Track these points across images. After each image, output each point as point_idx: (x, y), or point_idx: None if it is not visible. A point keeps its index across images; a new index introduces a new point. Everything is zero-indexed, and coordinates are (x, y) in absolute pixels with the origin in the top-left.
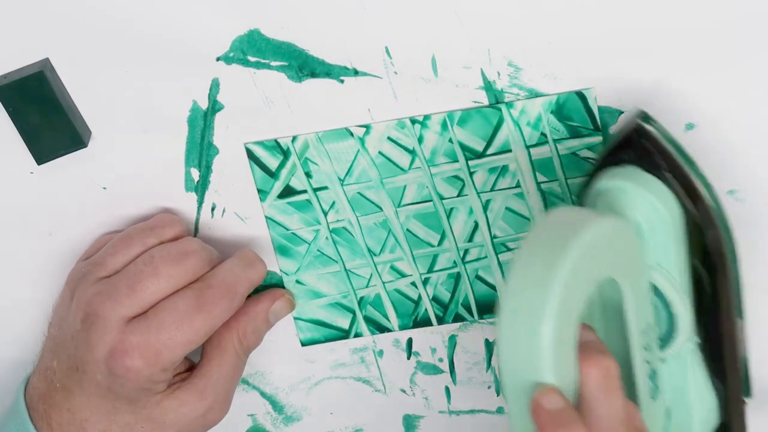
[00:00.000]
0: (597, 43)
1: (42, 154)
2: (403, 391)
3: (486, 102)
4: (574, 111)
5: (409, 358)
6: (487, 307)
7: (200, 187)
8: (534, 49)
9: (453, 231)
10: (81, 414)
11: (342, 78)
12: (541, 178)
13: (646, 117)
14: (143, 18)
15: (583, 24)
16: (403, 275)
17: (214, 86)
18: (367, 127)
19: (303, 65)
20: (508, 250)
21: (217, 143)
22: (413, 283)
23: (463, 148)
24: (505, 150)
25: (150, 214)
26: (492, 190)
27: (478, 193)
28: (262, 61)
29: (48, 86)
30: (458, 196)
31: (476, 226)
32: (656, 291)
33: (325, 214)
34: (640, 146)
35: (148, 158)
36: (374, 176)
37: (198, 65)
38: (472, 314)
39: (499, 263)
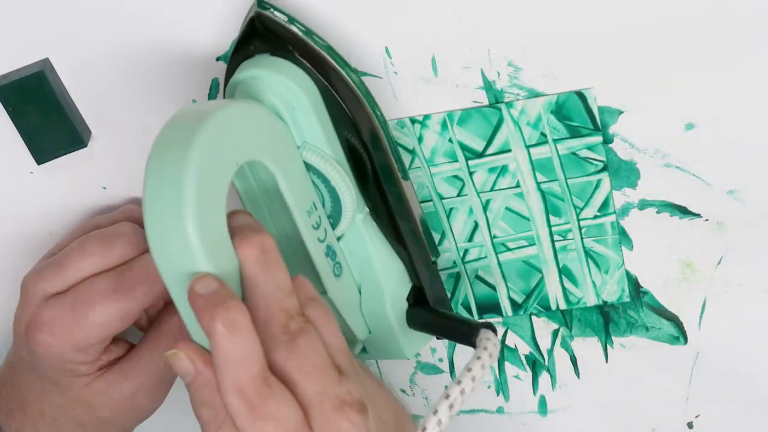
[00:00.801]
0: (597, 42)
1: (42, 154)
2: (403, 391)
3: (486, 102)
4: (574, 111)
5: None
6: (487, 307)
7: None
8: (534, 49)
9: (453, 231)
10: (21, 391)
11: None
12: (540, 178)
13: (262, 4)
14: (143, 18)
15: (583, 24)
16: None
17: (214, 86)
18: None
19: None
20: (508, 250)
21: None
22: None
23: (463, 147)
24: (505, 150)
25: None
26: (492, 190)
27: (477, 193)
28: None
29: (48, 86)
30: (458, 195)
31: (476, 225)
32: (313, 170)
33: None
34: (264, 33)
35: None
36: None
37: (198, 65)
38: (472, 314)
39: (499, 263)
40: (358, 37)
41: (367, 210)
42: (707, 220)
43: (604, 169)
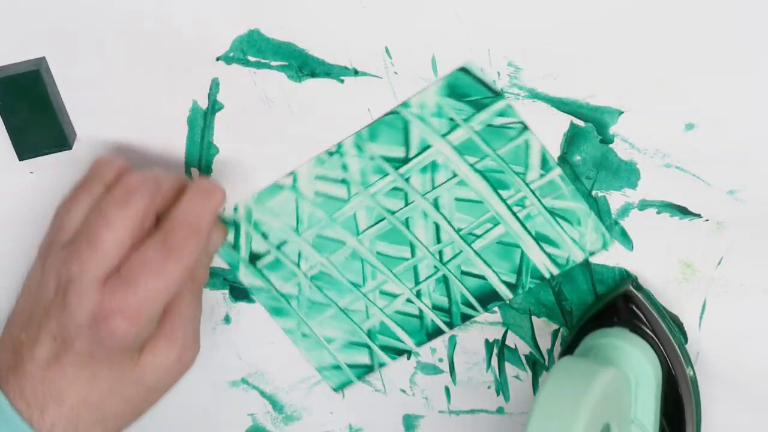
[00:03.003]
0: (597, 42)
1: (25, 151)
2: (403, 391)
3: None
4: (467, 86)
5: (408, 359)
6: (486, 297)
7: None
8: (534, 49)
9: (419, 239)
10: (57, 384)
11: (342, 78)
12: (471, 159)
13: (637, 284)
14: (143, 18)
15: (583, 24)
16: (394, 296)
17: (214, 86)
18: (293, 174)
19: (303, 65)
20: (478, 237)
21: (217, 143)
22: (409, 300)
23: (387, 159)
24: (426, 147)
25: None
26: (434, 188)
27: (422, 196)
28: (262, 61)
29: (42, 85)
30: (406, 205)
31: (437, 226)
32: None
33: (297, 265)
34: (631, 311)
35: (148, 158)
36: (322, 216)
37: (198, 65)
38: (476, 308)
39: (476, 252)
40: (358, 37)
41: None
42: (707, 220)
43: (525, 128)
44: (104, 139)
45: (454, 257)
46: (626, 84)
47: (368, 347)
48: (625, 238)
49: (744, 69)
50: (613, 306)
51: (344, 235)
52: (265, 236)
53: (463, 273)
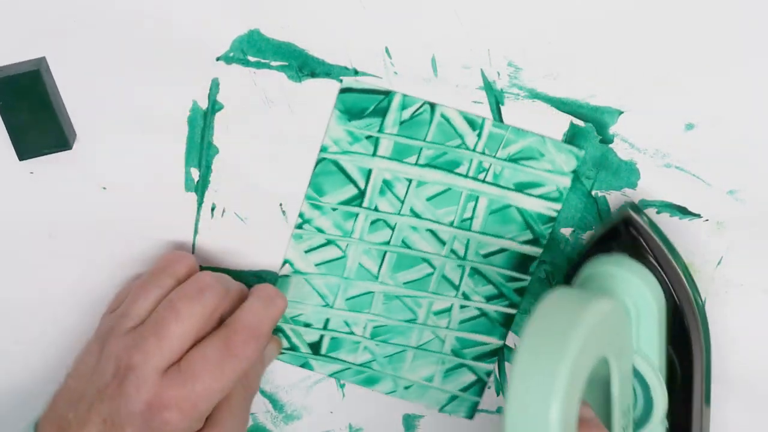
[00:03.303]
0: (597, 42)
1: (25, 151)
2: None
3: (485, 102)
4: (358, 102)
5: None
6: (520, 264)
7: (200, 187)
8: (534, 49)
9: (426, 251)
10: None
11: (342, 78)
12: (411, 159)
13: (635, 207)
14: (143, 18)
15: (583, 24)
16: (448, 310)
17: (214, 86)
18: (287, 262)
19: (303, 65)
20: (471, 219)
21: (217, 143)
22: (462, 306)
23: (346, 203)
24: (368, 172)
25: (150, 215)
26: (402, 202)
27: (399, 214)
28: (262, 61)
29: (42, 85)
30: (393, 230)
31: (432, 232)
32: (637, 374)
33: (352, 333)
34: (630, 235)
35: (148, 158)
36: (337, 280)
37: (198, 65)
38: (520, 278)
39: (480, 232)
40: (358, 37)
41: (667, 425)
42: (707, 220)
43: (431, 105)
44: (104, 139)
45: (466, 248)
46: (626, 84)
47: (465, 365)
48: None
49: (744, 69)
50: (613, 233)
51: (367, 286)
52: (308, 325)
53: (485, 256)
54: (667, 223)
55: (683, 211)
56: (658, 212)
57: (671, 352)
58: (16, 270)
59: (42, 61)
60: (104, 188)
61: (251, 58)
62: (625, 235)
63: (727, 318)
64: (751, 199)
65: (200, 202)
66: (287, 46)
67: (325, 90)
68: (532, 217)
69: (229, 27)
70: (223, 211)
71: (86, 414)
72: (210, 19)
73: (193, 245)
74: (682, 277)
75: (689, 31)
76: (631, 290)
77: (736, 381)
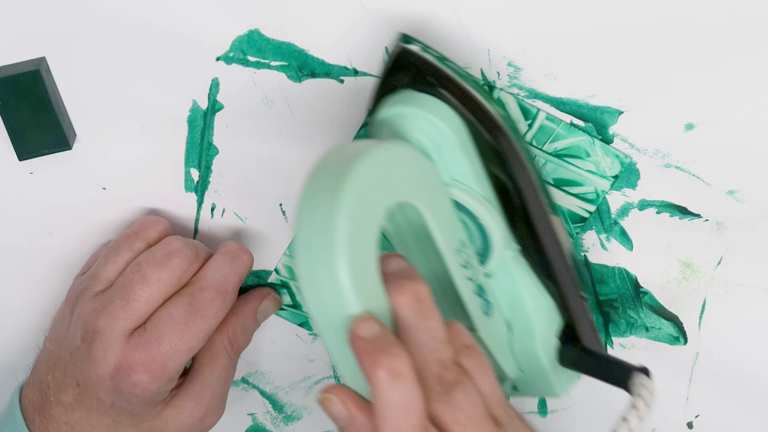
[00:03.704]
0: (597, 42)
1: (25, 151)
2: None
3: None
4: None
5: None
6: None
7: (200, 187)
8: (534, 49)
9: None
10: (80, 428)
11: (342, 78)
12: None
13: (406, 38)
14: (143, 18)
15: (583, 24)
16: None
17: (214, 86)
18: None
19: (303, 65)
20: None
21: (217, 143)
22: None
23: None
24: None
25: (150, 214)
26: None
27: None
28: (262, 61)
29: (42, 85)
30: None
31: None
32: (461, 207)
33: None
34: (409, 67)
35: (148, 158)
36: None
37: (198, 65)
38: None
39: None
40: (358, 37)
41: (517, 246)
42: (707, 220)
43: (489, 87)
44: (104, 139)
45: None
46: (626, 84)
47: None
48: (624, 238)
49: (744, 69)
50: (396, 72)
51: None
52: None
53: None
54: (667, 223)
55: (683, 211)
56: (657, 212)
57: (499, 174)
58: (15, 268)
59: (42, 61)
60: (104, 188)
61: (251, 58)
62: (407, 69)
63: (727, 318)
64: (751, 199)
65: (200, 202)
66: (287, 46)
67: (325, 90)
68: (564, 214)
69: (229, 27)
70: (223, 211)
71: (62, 377)
72: (210, 19)
73: None
74: (474, 93)
75: (689, 31)
76: (421, 124)
77: (735, 381)
